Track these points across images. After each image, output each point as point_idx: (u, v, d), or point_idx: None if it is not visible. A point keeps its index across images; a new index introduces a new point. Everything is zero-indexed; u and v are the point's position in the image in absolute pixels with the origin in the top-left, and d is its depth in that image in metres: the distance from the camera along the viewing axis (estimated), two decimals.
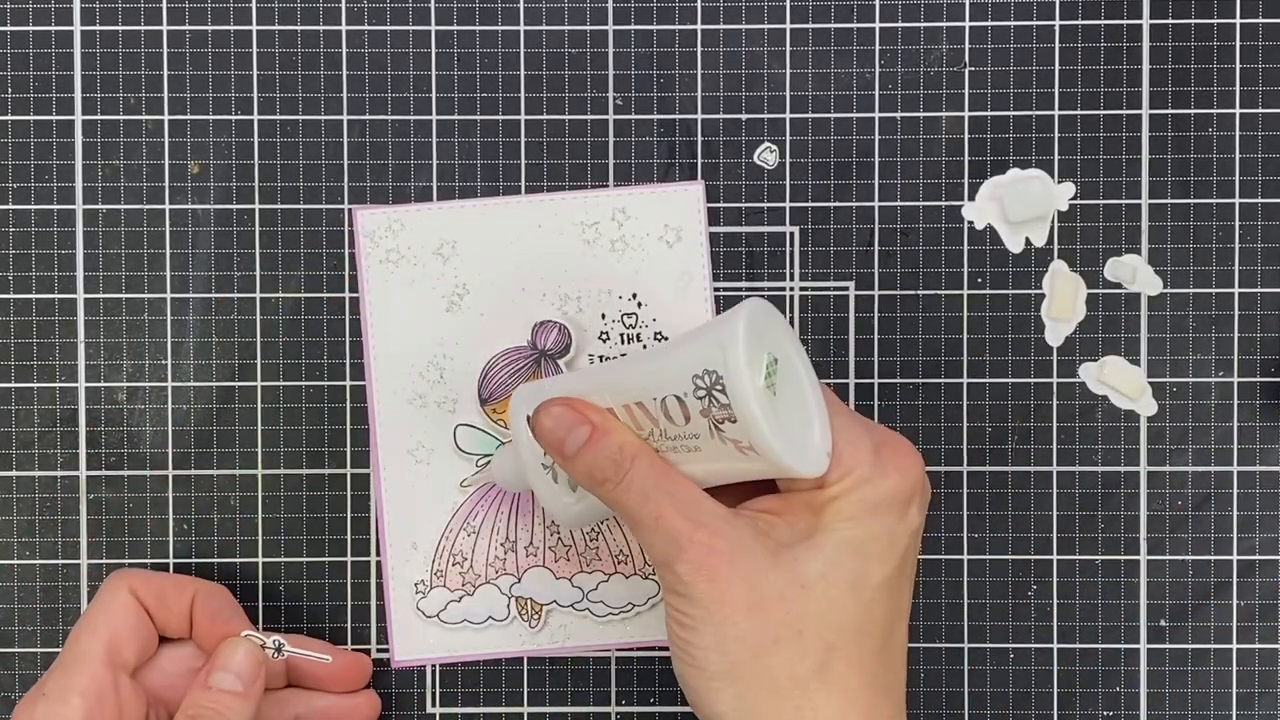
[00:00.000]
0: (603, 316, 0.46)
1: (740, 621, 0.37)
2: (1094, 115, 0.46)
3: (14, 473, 0.47)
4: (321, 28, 0.46)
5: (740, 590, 0.37)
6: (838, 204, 0.46)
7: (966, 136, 0.46)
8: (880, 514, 0.38)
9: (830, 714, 0.37)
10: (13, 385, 0.46)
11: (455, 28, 0.46)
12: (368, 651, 0.46)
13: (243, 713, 0.41)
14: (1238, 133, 0.46)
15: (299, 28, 0.46)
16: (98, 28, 0.46)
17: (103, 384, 0.46)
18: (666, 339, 0.46)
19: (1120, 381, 0.46)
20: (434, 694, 0.47)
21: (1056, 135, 0.46)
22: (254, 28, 0.46)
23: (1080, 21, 0.46)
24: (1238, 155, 0.46)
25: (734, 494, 0.40)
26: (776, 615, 0.37)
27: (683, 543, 0.37)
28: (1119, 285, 0.46)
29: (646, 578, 0.46)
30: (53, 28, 0.46)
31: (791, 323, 0.46)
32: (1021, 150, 0.46)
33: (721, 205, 0.46)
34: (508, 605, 0.46)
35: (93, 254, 0.46)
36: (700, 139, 0.46)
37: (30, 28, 0.46)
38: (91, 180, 0.46)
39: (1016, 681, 0.46)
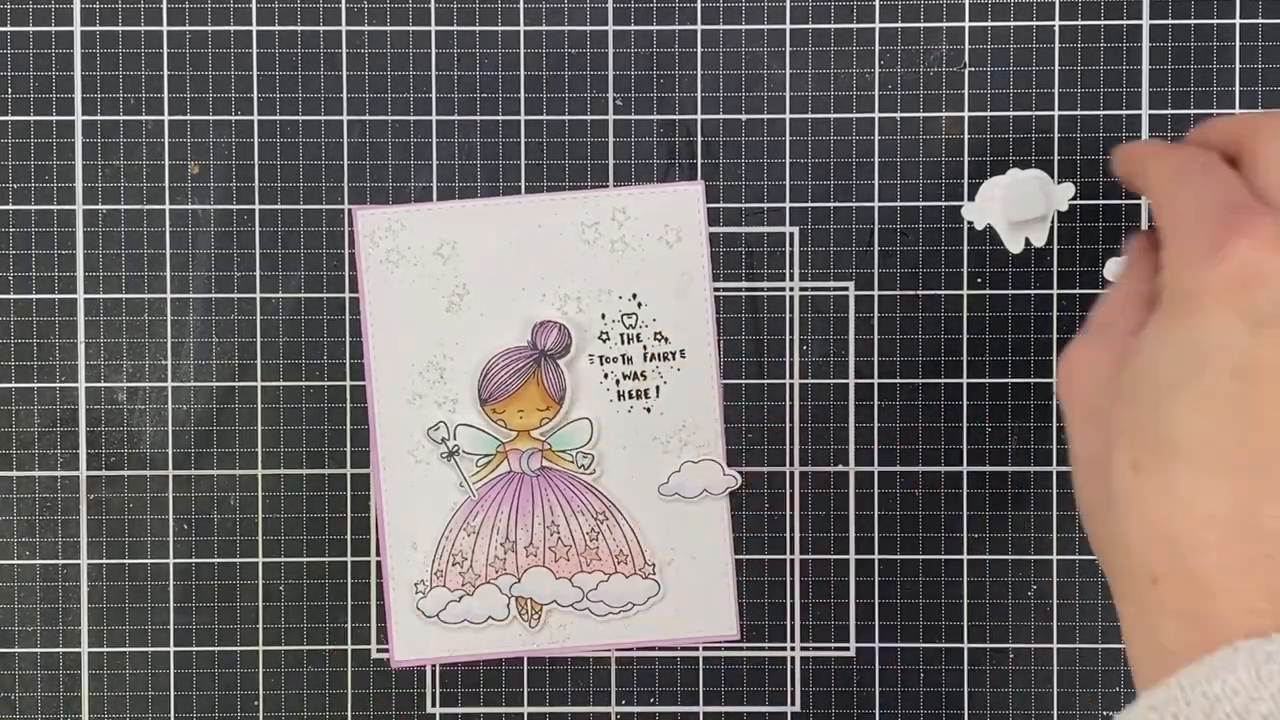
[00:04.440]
0: (603, 316, 0.46)
1: None
2: (1094, 115, 0.46)
3: (14, 473, 0.47)
4: (321, 28, 0.46)
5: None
6: (838, 204, 0.46)
7: (966, 136, 0.46)
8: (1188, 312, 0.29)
9: None
10: (13, 385, 0.46)
11: (455, 28, 0.46)
12: (367, 652, 0.47)
13: None
14: None
15: (299, 28, 0.46)
16: (98, 28, 0.46)
17: (103, 384, 0.46)
18: (666, 339, 0.46)
19: None
20: (434, 694, 0.47)
21: (1056, 135, 0.46)
22: (254, 28, 0.46)
23: (1080, 21, 0.46)
24: None
25: None
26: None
27: None
28: None
29: (646, 578, 0.46)
30: (53, 28, 0.46)
31: (791, 323, 0.46)
32: (1021, 150, 0.46)
33: (721, 205, 0.46)
34: (508, 605, 0.46)
35: (93, 254, 0.46)
36: (700, 139, 0.46)
37: (30, 28, 0.46)
38: (91, 180, 0.46)
39: (1016, 681, 0.46)
